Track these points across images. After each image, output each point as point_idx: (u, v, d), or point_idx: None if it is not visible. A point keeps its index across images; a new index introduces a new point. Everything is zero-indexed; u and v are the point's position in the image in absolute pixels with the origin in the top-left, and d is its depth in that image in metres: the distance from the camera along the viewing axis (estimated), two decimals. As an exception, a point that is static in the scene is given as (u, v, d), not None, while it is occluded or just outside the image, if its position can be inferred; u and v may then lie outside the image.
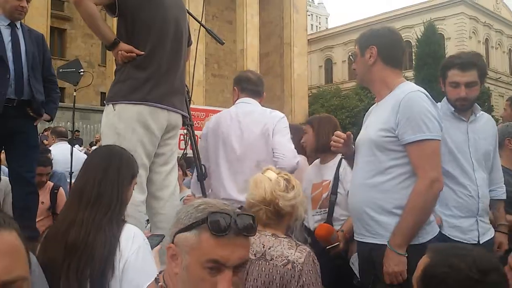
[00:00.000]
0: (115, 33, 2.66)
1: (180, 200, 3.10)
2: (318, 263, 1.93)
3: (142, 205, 2.55)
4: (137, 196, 2.50)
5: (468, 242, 2.43)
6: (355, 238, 2.34)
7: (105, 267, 1.62)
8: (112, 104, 2.55)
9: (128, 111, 2.51)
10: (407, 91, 2.14)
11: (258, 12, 25.59)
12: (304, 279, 1.83)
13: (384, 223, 2.12)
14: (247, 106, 3.04)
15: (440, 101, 2.60)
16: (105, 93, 24.81)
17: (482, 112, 2.72)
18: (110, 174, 1.83)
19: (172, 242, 1.26)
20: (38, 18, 17.47)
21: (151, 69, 2.57)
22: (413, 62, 26.26)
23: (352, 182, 2.36)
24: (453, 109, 2.58)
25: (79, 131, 13.71)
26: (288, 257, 1.85)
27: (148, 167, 2.62)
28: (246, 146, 2.88)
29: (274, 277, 1.83)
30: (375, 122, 2.24)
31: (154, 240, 2.11)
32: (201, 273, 1.17)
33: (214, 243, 1.18)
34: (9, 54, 3.35)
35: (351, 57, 2.40)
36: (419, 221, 2.07)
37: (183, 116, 2.82)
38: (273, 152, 2.83)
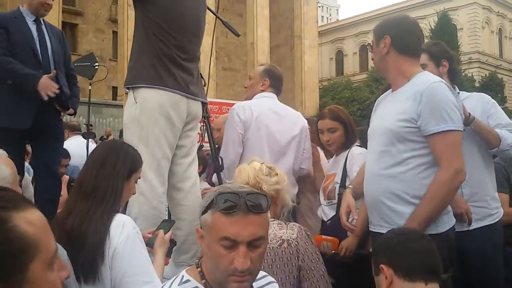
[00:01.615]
0: (134, 21, 2.67)
1: None
2: (311, 235, 2.04)
3: (163, 196, 2.59)
4: (159, 187, 2.55)
5: (456, 230, 2.40)
6: (370, 229, 2.32)
7: (95, 255, 1.71)
8: (132, 88, 2.57)
9: (150, 103, 2.53)
10: (429, 82, 2.12)
11: (268, 4, 25.47)
12: (303, 252, 1.93)
13: (402, 213, 2.11)
14: (278, 103, 3.22)
15: None
16: (116, 87, 24.95)
17: (469, 94, 2.75)
18: (106, 168, 1.90)
19: (200, 226, 1.38)
20: (50, 13, 17.54)
21: (172, 56, 2.58)
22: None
23: (367, 172, 2.33)
24: None
25: (92, 125, 13.81)
26: (281, 237, 1.94)
27: (170, 159, 2.64)
28: (288, 142, 3.08)
29: (274, 259, 1.91)
30: (393, 112, 2.21)
31: (165, 226, 2.18)
32: (219, 250, 1.28)
33: (224, 221, 1.28)
34: (38, 49, 3.39)
35: (368, 47, 2.40)
36: (437, 211, 2.06)
37: (202, 103, 2.83)
38: (303, 153, 3.19)
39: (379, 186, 2.21)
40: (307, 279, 1.94)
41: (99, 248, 1.71)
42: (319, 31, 32.34)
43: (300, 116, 3.29)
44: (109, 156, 1.93)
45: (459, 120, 2.09)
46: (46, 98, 3.17)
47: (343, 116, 3.06)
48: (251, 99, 3.24)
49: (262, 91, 3.19)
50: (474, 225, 2.47)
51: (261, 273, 1.54)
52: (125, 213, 2.56)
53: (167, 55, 2.57)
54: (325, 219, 2.97)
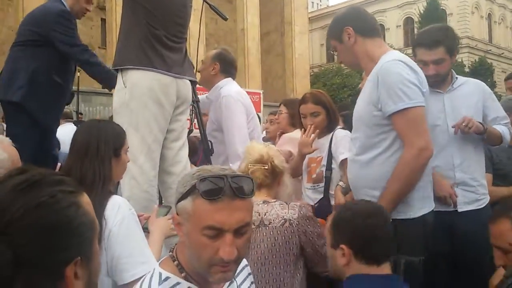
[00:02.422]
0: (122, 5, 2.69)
1: None
2: (311, 212, 2.14)
3: (154, 180, 2.61)
4: (150, 171, 2.58)
5: (446, 210, 2.48)
6: None
7: None
8: (121, 71, 2.58)
9: (139, 88, 2.55)
10: (383, 61, 2.13)
11: (258, -10, 25.30)
12: (303, 231, 2.02)
13: (377, 197, 2.11)
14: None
15: None
16: (106, 75, 24.74)
17: (467, 79, 2.75)
18: (90, 154, 1.85)
19: (177, 212, 1.26)
20: (37, 2, 17.32)
21: (159, 37, 2.60)
22: (415, 39, 26.03)
23: (348, 158, 2.41)
24: None
25: (82, 114, 13.73)
26: (283, 216, 2.02)
27: (161, 142, 2.67)
28: None
29: (276, 238, 1.99)
30: (362, 98, 2.25)
31: (161, 211, 2.19)
32: (202, 239, 1.17)
33: (208, 208, 1.16)
34: None
35: (332, 52, 2.43)
36: (404, 190, 2.06)
37: (192, 83, 2.85)
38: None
39: (355, 173, 2.26)
40: (309, 256, 2.05)
41: None
42: (309, 18, 32.17)
43: None
44: (91, 141, 1.88)
45: (416, 96, 2.05)
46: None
47: (325, 100, 3.09)
48: (204, 84, 3.40)
49: (213, 75, 3.28)
50: (463, 208, 2.53)
51: None
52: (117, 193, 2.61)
53: (154, 37, 2.59)
54: (312, 203, 3.01)
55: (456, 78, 2.71)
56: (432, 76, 2.53)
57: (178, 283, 1.25)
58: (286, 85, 26.66)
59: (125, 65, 2.57)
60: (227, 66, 3.30)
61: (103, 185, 1.83)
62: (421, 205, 2.13)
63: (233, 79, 3.34)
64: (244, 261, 1.46)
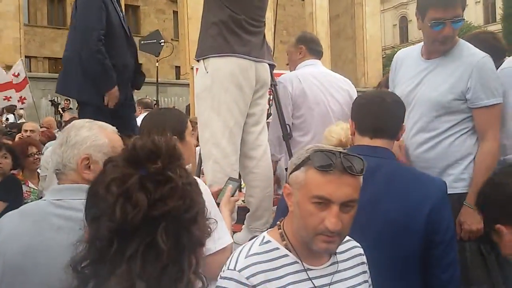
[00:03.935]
0: None
1: None
2: None
3: (236, 164, 2.63)
4: (232, 155, 2.60)
5: None
6: None
7: None
8: (203, 59, 2.62)
9: (220, 72, 2.57)
10: (479, 56, 2.23)
11: (327, -28, 24.76)
12: None
13: (445, 174, 2.24)
14: (325, 69, 3.24)
15: None
16: (179, 67, 25.54)
17: None
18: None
19: (288, 183, 1.37)
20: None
21: (240, 22, 2.61)
22: (497, 14, 24.29)
23: (409, 139, 2.37)
24: None
25: (158, 104, 14.34)
26: None
27: (242, 126, 2.68)
28: (341, 111, 3.12)
29: None
30: (441, 83, 2.27)
31: (232, 184, 2.25)
32: (310, 208, 1.27)
33: (320, 179, 1.25)
34: (126, 26, 3.49)
35: (454, 22, 2.21)
36: None
37: (270, 67, 2.85)
38: None
39: (417, 153, 2.32)
40: None
41: None
42: (380, -3, 31.03)
43: (349, 84, 3.34)
44: (155, 127, 1.96)
45: (501, 93, 2.25)
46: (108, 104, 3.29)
47: None
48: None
49: (301, 59, 3.22)
50: None
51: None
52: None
53: (235, 22, 2.59)
54: None
55: None
56: None
57: (277, 248, 1.36)
58: (357, 68, 25.98)
59: (206, 55, 2.61)
60: (311, 44, 3.27)
61: None
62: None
63: (319, 57, 3.29)
64: (359, 250, 1.49)
